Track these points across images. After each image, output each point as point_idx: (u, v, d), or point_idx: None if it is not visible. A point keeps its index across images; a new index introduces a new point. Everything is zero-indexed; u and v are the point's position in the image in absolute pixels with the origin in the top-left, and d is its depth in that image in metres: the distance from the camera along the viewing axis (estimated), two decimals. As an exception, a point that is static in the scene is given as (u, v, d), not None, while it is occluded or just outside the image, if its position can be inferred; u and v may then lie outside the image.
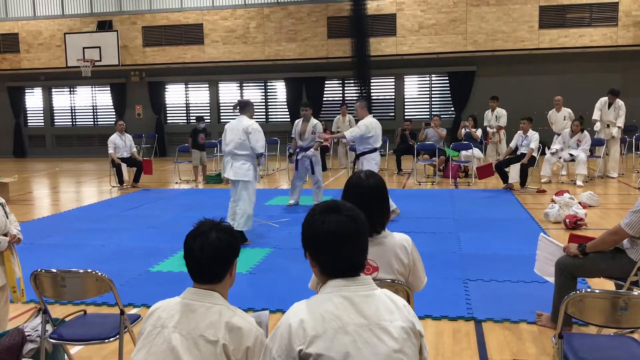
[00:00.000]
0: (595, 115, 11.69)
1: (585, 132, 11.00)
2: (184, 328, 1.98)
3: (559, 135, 11.99)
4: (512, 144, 10.71)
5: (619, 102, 11.66)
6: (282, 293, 4.88)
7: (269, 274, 5.58)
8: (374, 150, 7.81)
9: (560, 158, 10.92)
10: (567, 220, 7.23)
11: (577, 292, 2.70)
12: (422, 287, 2.76)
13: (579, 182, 10.53)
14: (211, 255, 2.05)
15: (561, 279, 3.83)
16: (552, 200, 7.97)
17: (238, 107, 7.04)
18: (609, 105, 11.64)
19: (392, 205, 7.55)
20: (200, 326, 1.97)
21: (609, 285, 4.07)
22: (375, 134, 7.74)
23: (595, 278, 4.39)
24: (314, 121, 8.93)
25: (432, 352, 3.69)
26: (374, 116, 8.10)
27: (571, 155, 10.76)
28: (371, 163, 7.71)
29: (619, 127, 11.54)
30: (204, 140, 12.93)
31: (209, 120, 19.14)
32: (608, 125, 11.59)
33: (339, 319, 1.75)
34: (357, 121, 8.17)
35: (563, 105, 12.42)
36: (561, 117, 12.20)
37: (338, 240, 1.84)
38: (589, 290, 2.70)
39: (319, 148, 8.92)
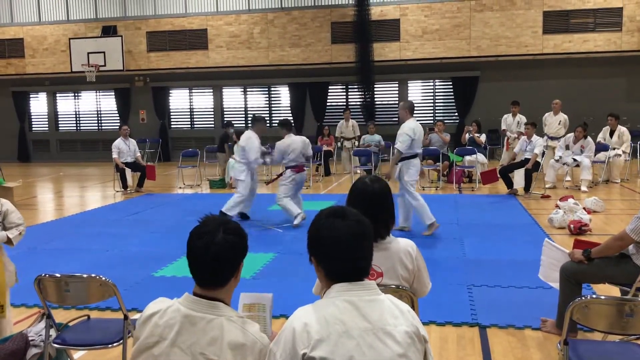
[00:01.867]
0: (599, 139, 11.79)
1: (589, 138, 10.98)
2: (184, 342, 1.87)
3: (550, 138, 11.94)
4: (517, 149, 10.71)
5: (622, 129, 11.66)
6: (286, 298, 4.86)
7: (273, 279, 5.57)
8: (415, 155, 7.34)
9: (564, 164, 10.89)
10: (572, 226, 7.21)
11: (583, 298, 2.68)
12: (426, 293, 2.75)
13: (583, 188, 10.50)
14: (217, 257, 1.89)
15: (566, 285, 3.82)
16: (557, 206, 7.95)
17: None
18: (611, 133, 11.67)
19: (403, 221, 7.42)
20: (201, 342, 1.85)
21: (614, 291, 4.05)
22: (418, 137, 7.31)
23: (600, 284, 4.37)
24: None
25: (437, 358, 3.68)
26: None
27: (575, 160, 10.74)
28: (411, 170, 7.27)
29: (624, 152, 11.51)
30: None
31: (212, 125, 19.20)
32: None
33: (343, 323, 1.75)
34: (398, 125, 7.90)
35: (567, 110, 12.37)
36: (556, 121, 12.14)
37: (343, 246, 1.84)
38: (594, 296, 2.69)
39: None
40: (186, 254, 1.97)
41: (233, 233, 1.95)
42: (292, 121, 18.32)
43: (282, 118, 8.99)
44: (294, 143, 8.06)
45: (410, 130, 7.23)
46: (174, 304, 1.95)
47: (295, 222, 7.84)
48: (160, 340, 1.89)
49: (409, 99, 17.88)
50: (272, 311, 2.27)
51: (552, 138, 11.99)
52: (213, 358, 1.84)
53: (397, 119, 17.85)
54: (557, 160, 10.93)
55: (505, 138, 13.07)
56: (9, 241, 3.66)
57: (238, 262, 1.97)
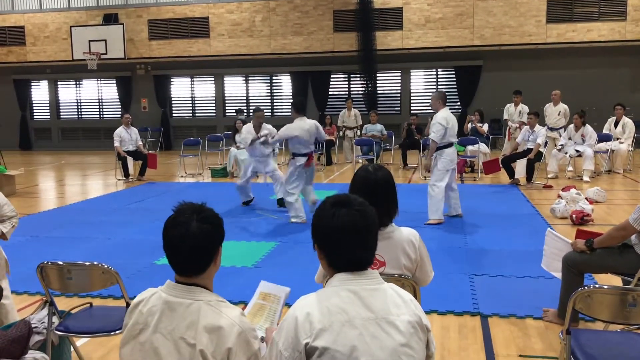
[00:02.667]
0: (605, 130, 11.77)
1: (588, 126, 10.94)
2: (165, 328, 1.88)
3: (550, 129, 11.89)
4: (519, 139, 10.68)
5: (626, 120, 11.62)
6: (288, 286, 4.87)
7: (275, 267, 5.57)
8: (449, 145, 7.28)
9: (566, 154, 10.86)
10: (574, 216, 7.20)
11: (586, 287, 2.68)
12: (429, 282, 2.75)
13: (585, 178, 10.48)
14: (192, 247, 1.90)
15: (568, 275, 3.81)
16: (559, 196, 7.94)
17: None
18: (616, 123, 11.65)
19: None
20: (180, 327, 1.86)
21: (615, 281, 4.05)
22: (451, 126, 7.24)
23: (602, 274, 4.37)
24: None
25: (438, 347, 3.68)
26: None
27: (577, 151, 10.71)
28: (445, 160, 7.20)
29: (628, 144, 11.48)
30: None
31: (214, 114, 19.16)
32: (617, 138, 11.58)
33: (345, 312, 1.75)
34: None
35: (571, 100, 12.31)
36: (556, 112, 12.09)
37: (347, 235, 1.83)
38: (597, 286, 2.68)
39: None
40: (163, 246, 1.97)
41: (207, 221, 1.94)
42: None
43: (296, 99, 8.23)
44: (300, 127, 7.44)
45: (443, 119, 7.21)
46: (157, 292, 1.98)
47: (292, 220, 7.54)
48: (145, 327, 1.92)
49: (411, 87, 17.85)
50: (284, 305, 2.27)
51: (552, 129, 11.94)
52: (191, 342, 1.84)
53: (399, 108, 17.82)
54: (559, 150, 10.91)
55: (507, 128, 13.03)
56: (2, 235, 3.65)
57: (215, 249, 1.97)
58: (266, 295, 2.64)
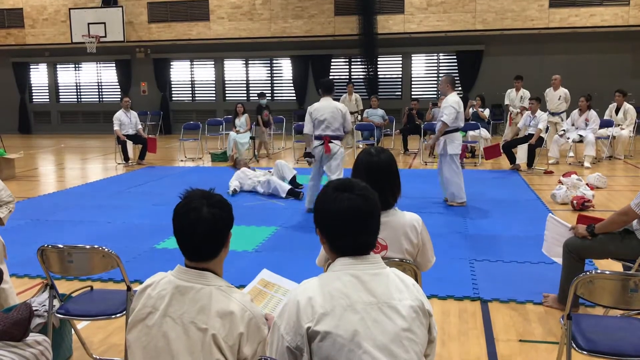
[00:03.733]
0: (606, 117, 11.73)
1: (593, 111, 10.90)
2: (175, 312, 1.88)
3: (551, 114, 11.83)
4: (520, 124, 10.64)
5: (628, 106, 11.57)
6: (289, 271, 4.86)
7: (275, 252, 5.58)
8: (458, 129, 7.38)
9: (568, 139, 10.83)
10: (575, 202, 7.19)
11: (587, 273, 2.67)
12: (430, 267, 2.75)
13: (586, 164, 10.46)
14: (205, 233, 1.91)
15: (569, 260, 3.81)
16: (560, 182, 7.93)
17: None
18: (617, 110, 11.60)
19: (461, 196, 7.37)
20: (191, 311, 1.86)
21: (616, 266, 4.05)
22: (462, 111, 7.34)
23: (603, 259, 4.37)
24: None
25: (439, 332, 3.67)
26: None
27: (580, 136, 10.67)
28: (454, 144, 7.29)
29: (629, 130, 11.46)
30: (268, 117, 12.75)
31: (214, 98, 19.08)
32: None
33: (347, 297, 1.74)
34: (438, 98, 7.78)
35: (572, 85, 12.25)
36: (556, 97, 12.02)
37: (349, 219, 1.82)
38: (599, 271, 2.68)
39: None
40: (173, 231, 1.97)
41: (217, 206, 1.95)
42: (295, 94, 18.22)
43: (324, 79, 7.48)
44: (323, 109, 6.82)
45: (455, 103, 7.24)
46: (167, 276, 1.98)
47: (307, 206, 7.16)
48: (153, 311, 1.91)
49: (413, 72, 17.76)
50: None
51: (553, 114, 11.90)
52: (202, 326, 1.84)
53: (400, 93, 17.74)
54: (561, 135, 10.87)
55: (509, 113, 12.98)
56: None
57: (226, 234, 1.98)
58: (267, 283, 2.65)
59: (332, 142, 6.83)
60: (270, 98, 18.57)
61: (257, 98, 13.38)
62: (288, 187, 8.18)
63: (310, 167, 7.21)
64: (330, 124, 6.80)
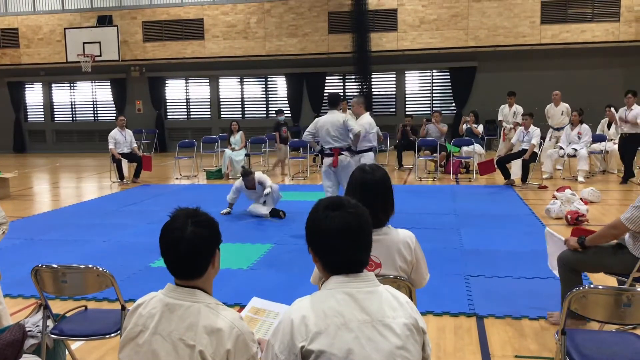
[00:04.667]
0: (599, 131, 11.87)
1: (585, 125, 10.99)
2: (164, 329, 1.89)
3: (555, 129, 11.95)
4: (514, 140, 10.71)
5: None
6: (283, 289, 4.87)
7: (270, 269, 5.56)
8: (370, 149, 7.55)
9: (564, 155, 10.92)
10: (569, 216, 7.22)
11: (580, 288, 2.68)
12: (424, 284, 2.75)
13: (580, 178, 10.52)
14: (188, 252, 1.91)
15: (564, 274, 3.81)
16: (554, 196, 7.96)
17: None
18: (609, 124, 11.79)
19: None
20: (180, 328, 1.87)
21: (611, 281, 4.06)
22: (373, 132, 7.53)
23: (597, 274, 4.37)
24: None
25: (434, 348, 3.68)
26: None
27: (574, 149, 10.74)
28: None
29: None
30: (287, 134, 12.81)
31: (209, 116, 19.13)
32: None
33: (341, 315, 1.74)
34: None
35: (564, 101, 12.38)
36: (559, 112, 12.14)
37: (341, 238, 1.82)
38: (592, 286, 2.69)
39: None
40: (160, 252, 1.98)
41: (202, 225, 1.95)
42: (290, 111, 18.28)
43: (331, 93, 7.58)
44: (325, 121, 6.96)
45: (367, 124, 7.42)
46: (157, 295, 1.99)
47: None
48: (144, 329, 1.92)
49: (407, 89, 17.87)
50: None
51: (557, 129, 11.98)
52: (190, 343, 1.85)
53: (394, 110, 17.83)
54: (560, 149, 10.97)
55: (502, 129, 13.07)
56: None
57: (211, 253, 1.98)
58: (258, 310, 2.65)
59: (341, 154, 6.91)
60: (265, 115, 18.65)
61: (275, 115, 13.39)
62: (268, 210, 8.01)
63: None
64: (332, 135, 6.88)
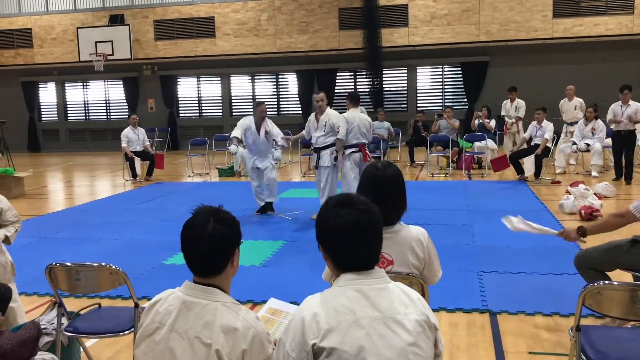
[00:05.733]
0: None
1: (599, 120, 10.87)
2: (181, 327, 1.90)
3: (569, 124, 11.85)
4: (527, 135, 10.63)
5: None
6: (295, 286, 4.87)
7: (282, 266, 5.57)
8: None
9: (577, 150, 10.81)
10: (583, 212, 7.16)
11: (595, 284, 2.65)
12: (437, 281, 2.73)
13: (594, 173, 10.42)
14: (209, 248, 1.93)
15: (587, 274, 3.69)
16: (567, 192, 7.89)
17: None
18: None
19: None
20: (196, 326, 1.88)
21: (626, 277, 4.01)
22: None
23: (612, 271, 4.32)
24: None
25: (447, 345, 3.67)
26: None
27: (587, 145, 10.64)
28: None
29: (637, 139, 11.37)
30: None
31: (220, 114, 19.18)
32: None
33: (352, 312, 1.74)
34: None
35: (578, 95, 12.27)
36: (572, 107, 12.04)
37: (350, 235, 1.81)
38: (606, 282, 2.66)
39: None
40: (181, 248, 2.00)
41: (223, 223, 1.97)
42: (300, 108, 18.30)
43: (352, 92, 8.11)
44: (357, 116, 7.33)
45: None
46: (174, 292, 2.00)
47: None
48: (160, 326, 1.93)
49: (418, 85, 17.80)
50: None
51: (571, 123, 11.88)
52: (207, 342, 1.85)
53: (406, 105, 17.77)
54: (573, 144, 10.85)
55: (504, 123, 13.01)
56: (6, 239, 3.69)
57: (231, 251, 2.00)
58: (275, 310, 2.66)
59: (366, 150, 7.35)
60: (276, 112, 18.66)
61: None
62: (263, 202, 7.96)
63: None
64: (362, 132, 7.32)
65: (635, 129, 9.80)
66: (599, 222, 3.63)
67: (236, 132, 7.64)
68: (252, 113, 7.82)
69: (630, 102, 9.70)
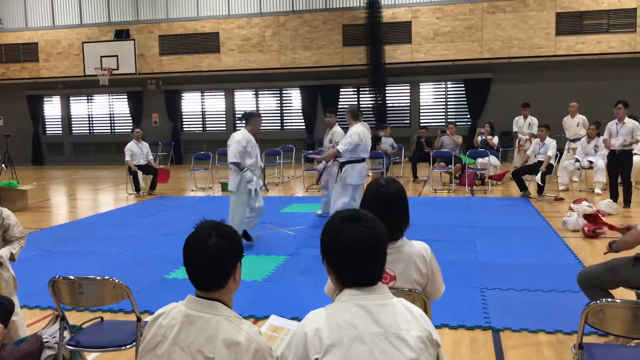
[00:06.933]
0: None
1: (602, 138, 10.87)
2: (183, 340, 1.91)
3: (572, 141, 11.86)
4: (529, 152, 10.64)
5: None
6: (298, 301, 4.87)
7: (284, 281, 5.57)
8: (362, 160, 7.47)
9: (579, 168, 10.81)
10: (586, 229, 7.14)
11: (598, 302, 2.65)
12: (440, 296, 2.73)
13: (597, 190, 10.41)
14: (210, 262, 1.94)
15: (590, 292, 3.70)
16: (570, 208, 7.88)
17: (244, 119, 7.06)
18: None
19: None
20: (199, 340, 1.88)
21: (629, 295, 4.00)
22: (363, 143, 7.33)
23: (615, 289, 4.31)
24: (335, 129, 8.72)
25: (449, 362, 3.65)
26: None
27: (590, 162, 10.64)
28: (352, 174, 7.32)
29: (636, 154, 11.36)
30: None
31: (224, 128, 19.26)
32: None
33: (355, 327, 1.74)
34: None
35: (581, 112, 12.29)
36: (575, 124, 12.07)
37: (356, 251, 1.82)
38: (609, 300, 2.66)
39: (328, 160, 7.89)
40: (183, 262, 2.01)
41: (225, 237, 1.98)
42: (304, 124, 18.37)
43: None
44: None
45: (356, 135, 7.30)
46: (177, 306, 2.01)
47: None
48: (163, 340, 1.94)
49: (421, 101, 17.87)
50: None
51: (573, 140, 11.90)
52: (209, 355, 1.86)
53: (409, 121, 17.82)
54: (577, 161, 10.86)
55: (517, 140, 13.00)
56: (11, 256, 3.72)
57: (233, 265, 2.00)
58: (276, 328, 2.66)
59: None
60: (280, 127, 18.73)
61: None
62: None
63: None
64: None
65: (633, 149, 9.52)
66: (631, 239, 3.61)
67: (237, 156, 6.65)
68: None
69: (627, 120, 9.35)
